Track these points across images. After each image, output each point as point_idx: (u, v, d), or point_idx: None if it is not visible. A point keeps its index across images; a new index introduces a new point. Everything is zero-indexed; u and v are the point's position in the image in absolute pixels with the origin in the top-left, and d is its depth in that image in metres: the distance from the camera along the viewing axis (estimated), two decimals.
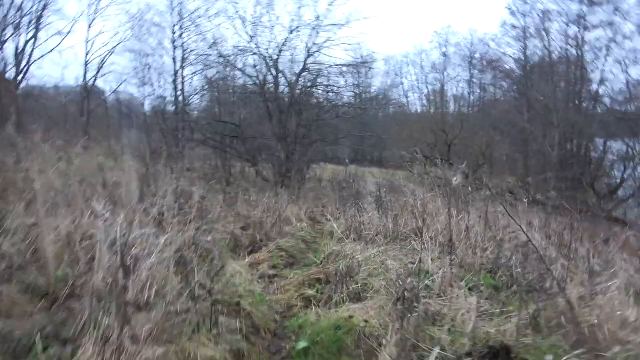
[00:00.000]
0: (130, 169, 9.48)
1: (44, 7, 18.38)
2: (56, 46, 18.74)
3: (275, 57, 13.69)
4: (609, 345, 2.42)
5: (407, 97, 34.60)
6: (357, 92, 27.87)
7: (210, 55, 15.55)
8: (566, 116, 20.35)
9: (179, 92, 17.77)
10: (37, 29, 18.35)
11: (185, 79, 18.01)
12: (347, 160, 12.75)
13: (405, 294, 2.49)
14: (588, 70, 21.65)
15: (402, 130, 27.55)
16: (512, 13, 22.99)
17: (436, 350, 2.30)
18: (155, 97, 17.99)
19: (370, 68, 25.54)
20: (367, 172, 15.98)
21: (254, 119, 14.68)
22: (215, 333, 2.69)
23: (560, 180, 18.25)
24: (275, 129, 12.95)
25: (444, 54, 31.85)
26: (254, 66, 14.11)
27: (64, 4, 28.10)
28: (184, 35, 17.70)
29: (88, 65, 20.29)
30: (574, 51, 21.51)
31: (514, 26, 23.41)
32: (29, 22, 18.15)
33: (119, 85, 20.48)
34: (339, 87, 14.82)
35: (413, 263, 4.45)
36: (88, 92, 20.81)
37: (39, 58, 18.49)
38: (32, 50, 18.24)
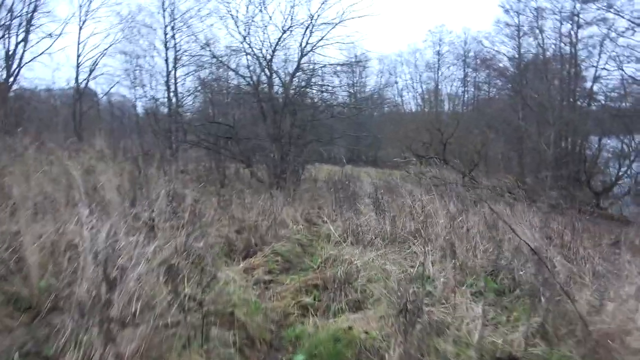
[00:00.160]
0: (122, 172, 9.32)
1: (35, 9, 18.18)
2: (47, 48, 18.57)
3: (269, 57, 13.55)
4: (623, 356, 2.29)
5: (401, 96, 34.59)
6: (352, 91, 27.79)
7: (203, 56, 15.39)
8: (561, 114, 20.32)
9: (171, 94, 17.61)
10: (27, 32, 18.13)
11: (178, 80, 17.86)
12: (343, 160, 12.62)
13: (408, 305, 2.35)
14: (582, 67, 21.67)
15: (398, 129, 27.48)
16: (506, 11, 22.99)
17: None
18: (147, 99, 17.81)
19: (364, 67, 25.50)
20: (363, 173, 15.88)
21: (248, 119, 14.52)
22: (207, 348, 2.54)
23: (556, 178, 18.20)
24: (269, 130, 12.79)
25: (438, 53, 31.88)
26: (248, 67, 13.96)
27: (55, 6, 27.84)
28: (176, 36, 17.56)
29: (80, 68, 20.11)
30: (568, 49, 21.50)
31: (507, 24, 23.43)
32: (20, 24, 17.94)
33: (111, 88, 20.31)
34: (333, 87, 14.68)
35: (413, 267, 4.34)
36: (80, 94, 20.59)
37: (30, 61, 18.29)
38: (23, 53, 18.02)
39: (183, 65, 17.58)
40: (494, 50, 25.33)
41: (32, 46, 18.21)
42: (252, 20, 13.46)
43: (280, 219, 6.89)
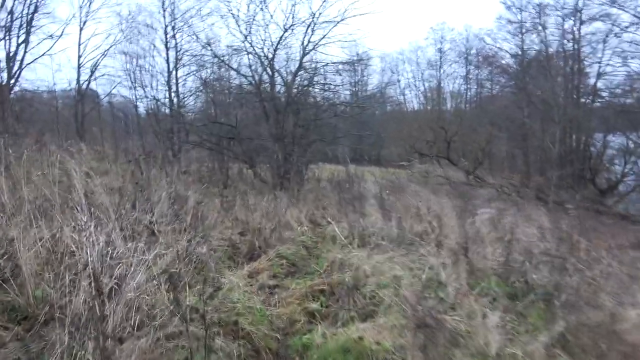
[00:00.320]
0: (124, 173, 9.21)
1: (35, 10, 18.04)
2: (48, 50, 18.41)
3: (270, 56, 13.38)
4: None
5: (404, 95, 34.39)
6: (354, 90, 27.64)
7: (204, 55, 15.25)
8: (565, 111, 20.12)
9: (173, 94, 17.47)
10: (28, 33, 18.00)
11: (180, 80, 17.71)
12: (347, 160, 12.46)
13: (427, 320, 2.22)
14: (586, 64, 21.45)
15: (401, 128, 27.30)
16: (508, 8, 22.73)
17: None
18: (149, 99, 17.68)
19: (366, 66, 25.35)
20: (367, 172, 15.72)
21: (251, 119, 14.37)
22: None
23: (561, 176, 18.02)
24: (272, 130, 12.64)
25: (440, 51, 31.67)
26: (249, 66, 13.80)
27: (55, 7, 27.74)
28: (176, 36, 17.38)
29: (81, 69, 20.00)
30: (571, 45, 21.30)
31: (510, 21, 23.18)
32: (20, 25, 17.82)
33: (112, 89, 20.18)
34: (336, 86, 14.52)
35: (421, 268, 4.20)
36: (82, 95, 20.50)
37: (31, 62, 18.14)
38: (24, 55, 17.90)
39: (184, 65, 17.44)
40: (496, 47, 25.11)
41: (32, 48, 18.08)
42: (253, 19, 13.30)
43: (285, 221, 6.75)
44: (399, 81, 33.80)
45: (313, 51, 13.32)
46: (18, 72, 18.11)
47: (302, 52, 13.26)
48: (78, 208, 3.09)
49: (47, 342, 2.22)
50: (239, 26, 13.44)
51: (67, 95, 21.43)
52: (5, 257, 3.07)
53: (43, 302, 2.65)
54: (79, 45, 19.79)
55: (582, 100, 21.75)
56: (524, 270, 4.76)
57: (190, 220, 5.60)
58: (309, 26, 13.14)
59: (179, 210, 6.27)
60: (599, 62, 20.53)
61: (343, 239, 5.20)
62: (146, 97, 17.70)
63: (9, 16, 17.35)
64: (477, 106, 30.43)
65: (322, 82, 13.89)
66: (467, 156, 21.97)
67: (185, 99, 18.09)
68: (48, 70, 29.23)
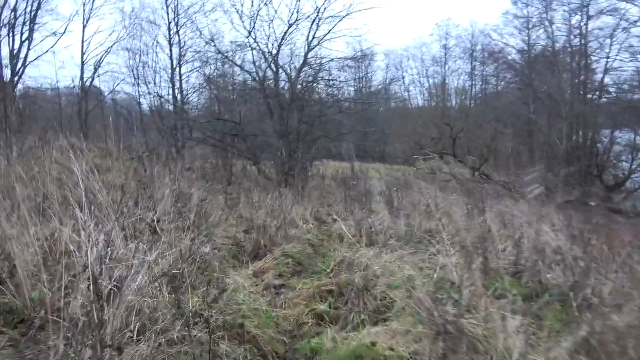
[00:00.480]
0: (127, 170, 9.10)
1: (38, 7, 17.95)
2: (51, 47, 18.34)
3: (274, 52, 13.25)
4: None
5: (408, 91, 34.17)
6: (359, 86, 27.46)
7: (207, 51, 15.12)
8: (572, 107, 19.91)
9: (176, 91, 17.37)
10: (31, 30, 17.91)
11: (183, 76, 17.61)
12: (353, 156, 12.32)
13: (448, 326, 2.08)
14: (593, 59, 21.21)
15: (405, 125, 27.15)
16: (515, 2, 22.52)
17: None
18: (152, 96, 17.57)
19: (371, 62, 25.17)
20: (371, 169, 15.59)
21: (255, 116, 14.24)
22: None
23: (569, 173, 17.83)
24: (276, 126, 12.51)
25: (445, 47, 31.42)
26: (253, 62, 13.67)
27: (58, 4, 27.61)
28: (180, 32, 17.28)
29: (84, 66, 19.92)
30: (577, 41, 21.05)
31: (516, 16, 22.96)
32: (24, 22, 17.73)
33: (116, 85, 20.10)
34: (340, 82, 14.37)
35: (431, 267, 4.06)
36: (85, 92, 20.42)
37: (34, 59, 18.07)
38: (27, 52, 17.81)
39: (187, 62, 17.34)
40: (502, 42, 24.89)
41: (36, 45, 18.00)
42: (258, 14, 13.17)
43: (290, 218, 6.63)
44: (403, 77, 33.60)
45: (318, 47, 13.18)
46: (21, 69, 18.05)
47: (306, 47, 13.14)
48: (77, 206, 2.96)
49: (42, 349, 2.10)
50: (242, 22, 13.33)
51: (70, 93, 21.39)
52: (1, 257, 2.96)
53: (40, 304, 2.53)
54: (82, 42, 19.73)
55: (589, 96, 21.53)
56: (537, 269, 4.63)
57: (193, 218, 5.48)
58: (313, 21, 13.01)
59: (182, 207, 6.16)
60: (607, 58, 20.31)
61: (350, 237, 5.06)
62: (149, 93, 17.61)
63: (12, 13, 17.28)
64: (482, 102, 30.21)
65: (326, 78, 13.74)
66: (472, 153, 21.78)
67: (189, 95, 18.00)
68: (51, 67, 29.17)
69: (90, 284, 2.05)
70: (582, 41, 20.92)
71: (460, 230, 5.61)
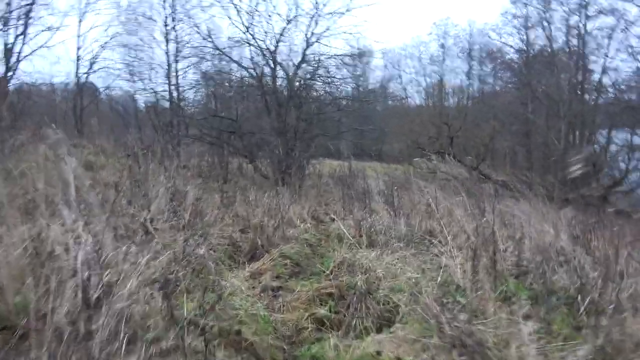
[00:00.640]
0: (121, 168, 8.93)
1: (33, 2, 17.65)
2: (46, 42, 18.04)
3: (272, 48, 13.08)
4: None
5: (405, 90, 34.01)
6: (357, 84, 27.31)
7: (204, 47, 14.91)
8: (570, 107, 19.87)
9: (172, 87, 17.16)
10: (26, 25, 17.61)
11: (180, 73, 17.38)
12: (350, 155, 12.20)
13: (465, 339, 1.95)
14: (591, 59, 21.18)
15: (403, 124, 27.02)
16: (514, 2, 22.44)
17: None
18: (148, 92, 17.36)
19: (369, 60, 25.04)
20: (368, 167, 15.45)
21: (252, 113, 14.08)
22: None
23: (567, 172, 17.78)
24: (274, 124, 12.36)
25: (443, 46, 31.29)
26: (251, 58, 13.50)
27: None
28: (176, 27, 17.05)
29: (80, 61, 19.65)
30: (576, 41, 21.01)
31: (515, 16, 22.89)
32: (18, 17, 17.43)
33: (111, 82, 19.86)
34: (339, 80, 14.22)
35: (435, 270, 3.94)
36: (80, 88, 20.18)
37: (29, 54, 17.77)
38: (22, 47, 17.52)
39: (184, 58, 17.10)
40: (500, 42, 24.82)
41: (31, 39, 17.70)
42: (256, 10, 13.00)
43: (288, 217, 6.48)
44: (400, 76, 33.44)
45: (316, 43, 13.04)
46: (16, 64, 17.77)
47: (305, 44, 12.98)
48: (66, 205, 2.81)
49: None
50: (240, 17, 13.15)
51: (65, 89, 21.13)
52: None
53: (24, 310, 2.38)
54: (78, 37, 19.45)
55: (587, 96, 21.50)
56: (542, 271, 4.51)
57: (189, 217, 5.33)
58: (312, 17, 12.86)
59: (178, 206, 6.01)
60: (605, 58, 20.27)
61: (350, 237, 4.92)
62: (145, 90, 17.41)
63: (7, 7, 17.00)
64: (480, 102, 30.12)
65: (325, 75, 13.59)
66: (469, 152, 21.71)
67: (185, 92, 17.78)
68: (46, 62, 28.82)
69: (77, 291, 1.91)
70: (581, 41, 20.89)
71: (461, 231, 5.50)
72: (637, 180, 20.70)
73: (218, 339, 2.50)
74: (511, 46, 24.25)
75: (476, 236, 4.61)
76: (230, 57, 14.37)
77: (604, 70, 20.73)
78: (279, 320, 3.21)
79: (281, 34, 13.00)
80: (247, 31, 13.10)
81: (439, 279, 3.47)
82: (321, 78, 13.57)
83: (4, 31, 17.09)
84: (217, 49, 14.12)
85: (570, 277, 4.30)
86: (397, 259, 4.13)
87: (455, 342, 2.03)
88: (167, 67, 17.06)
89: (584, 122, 20.70)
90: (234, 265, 4.66)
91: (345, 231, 5.16)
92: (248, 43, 13.27)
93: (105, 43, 19.08)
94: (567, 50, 21.57)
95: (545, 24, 21.79)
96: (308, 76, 13.36)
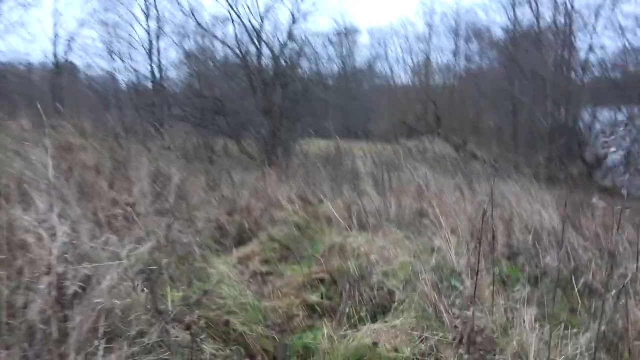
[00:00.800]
0: (102, 150, 8.66)
1: None
2: (20, 19, 17.31)
3: (257, 26, 12.74)
4: None
5: (391, 69, 33.69)
6: (343, 63, 26.95)
7: (187, 25, 14.47)
8: (556, 85, 19.85)
9: (154, 66, 16.67)
10: None
11: (161, 51, 16.87)
12: (336, 134, 12.02)
13: (475, 337, 1.84)
14: (577, 37, 21.11)
15: (389, 102, 26.84)
16: None
17: None
18: (129, 71, 16.86)
19: (355, 39, 24.67)
20: (355, 147, 15.31)
21: (237, 93, 13.77)
22: None
23: (552, 150, 17.90)
24: (259, 103, 12.10)
25: (429, 24, 30.94)
26: (235, 36, 13.14)
27: None
28: (157, 3, 16.47)
29: (57, 40, 18.96)
30: (562, 18, 20.89)
31: None
32: None
33: (89, 61, 19.24)
34: (325, 58, 13.96)
35: (428, 253, 3.85)
36: (59, 67, 19.53)
37: (2, 32, 17.04)
38: None
39: (166, 36, 16.58)
40: (487, 20, 24.60)
41: (3, 16, 16.96)
42: None
43: (275, 199, 6.34)
44: (387, 55, 33.07)
45: (302, 21, 12.71)
46: None
47: (291, 21, 12.65)
48: (40, 190, 2.63)
49: None
50: None
51: (43, 68, 20.43)
52: None
53: None
54: (54, 14, 18.72)
55: (573, 74, 21.48)
56: (534, 253, 4.46)
57: (173, 200, 5.16)
58: None
59: (161, 189, 5.83)
60: (591, 35, 20.20)
61: (341, 220, 4.79)
62: (125, 69, 16.90)
63: None
64: (467, 80, 29.99)
65: (311, 53, 13.31)
66: (456, 131, 21.70)
67: (168, 71, 17.30)
68: (21, 41, 27.81)
69: (50, 286, 1.75)
70: (568, 19, 20.77)
71: (451, 212, 5.41)
72: (619, 158, 20.93)
73: (205, 331, 2.38)
74: (498, 24, 24.05)
75: (473, 219, 4.53)
76: (214, 35, 13.99)
77: (591, 48, 20.70)
78: (269, 308, 3.09)
79: (266, 11, 12.67)
80: (231, 8, 12.73)
81: (433, 262, 3.38)
82: (307, 56, 13.30)
83: None
84: (200, 26, 13.74)
85: (562, 259, 4.26)
86: (389, 241, 4.03)
87: (464, 340, 1.92)
88: (148, 45, 16.55)
89: (569, 100, 20.72)
90: (220, 249, 4.52)
91: (335, 214, 5.03)
92: (232, 20, 12.91)
93: (83, 20, 18.41)
94: (554, 28, 21.44)
95: (532, 1, 21.60)
96: (294, 55, 13.08)
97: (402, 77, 32.46)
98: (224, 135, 13.37)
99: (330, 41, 13.95)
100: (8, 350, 1.65)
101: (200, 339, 2.20)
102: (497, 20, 23.79)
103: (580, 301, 3.46)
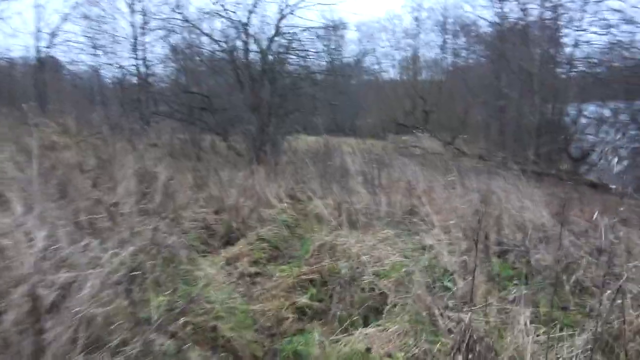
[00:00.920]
0: (86, 148, 8.48)
1: None
2: (1, 13, 16.91)
3: (245, 20, 12.54)
4: None
5: (379, 64, 33.66)
6: (332, 58, 26.83)
7: (173, 19, 14.21)
8: (543, 80, 19.96)
9: (140, 62, 16.40)
10: None
11: (147, 46, 16.60)
12: (324, 131, 11.94)
13: (475, 346, 1.79)
14: (563, 32, 21.24)
15: (377, 98, 26.82)
16: None
17: None
18: (114, 67, 16.56)
19: (343, 33, 24.55)
20: (344, 143, 15.25)
21: (224, 88, 13.59)
22: None
23: (539, 146, 18.03)
24: (247, 99, 11.94)
25: (417, 19, 30.95)
26: (222, 31, 12.94)
27: None
28: None
29: (40, 35, 18.55)
30: (549, 13, 21.00)
31: None
32: None
33: (74, 56, 18.88)
34: (313, 53, 13.82)
35: (419, 251, 3.81)
36: (42, 63, 19.13)
37: None
38: None
39: (152, 30, 16.29)
40: (474, 14, 24.67)
41: None
42: None
43: (264, 198, 6.24)
44: (374, 50, 33.02)
45: (290, 15, 12.56)
46: None
47: (279, 16, 12.50)
48: (17, 193, 2.52)
49: None
50: None
51: (25, 63, 20.01)
52: None
53: None
54: (36, 8, 18.31)
55: (559, 69, 21.62)
56: (524, 249, 4.44)
57: (159, 200, 5.05)
58: None
59: (147, 188, 5.71)
60: (577, 31, 20.33)
61: (332, 219, 4.72)
62: (110, 64, 16.59)
63: None
64: (454, 75, 30.05)
65: (299, 48, 13.16)
66: (444, 126, 21.75)
67: (154, 66, 17.03)
68: (1, 35, 27.21)
69: (26, 296, 1.66)
70: (554, 14, 20.88)
71: (442, 209, 5.38)
72: (604, 154, 21.15)
73: (192, 337, 2.29)
74: (485, 19, 24.10)
75: (464, 216, 4.50)
76: (200, 30, 13.75)
77: (577, 44, 20.84)
78: (257, 311, 3.02)
79: (254, 5, 12.47)
80: (218, 2, 12.52)
81: (426, 262, 3.33)
82: (295, 52, 13.14)
83: None
84: (187, 20, 13.48)
85: (552, 255, 4.24)
86: (380, 240, 3.97)
87: (461, 348, 1.86)
88: (133, 40, 16.27)
89: (556, 95, 20.87)
90: (208, 250, 4.43)
91: (324, 211, 4.96)
92: (219, 14, 12.70)
93: (67, 14, 18.03)
94: (541, 22, 21.54)
95: None
96: (282, 50, 12.92)
97: (390, 72, 32.46)
98: (211, 131, 13.20)
99: (319, 36, 13.77)
100: None
101: (187, 346, 2.11)
102: (484, 15, 23.84)
103: (572, 299, 3.45)
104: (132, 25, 16.24)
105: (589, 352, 2.12)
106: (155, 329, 2.02)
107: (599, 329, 2.19)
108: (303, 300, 3.14)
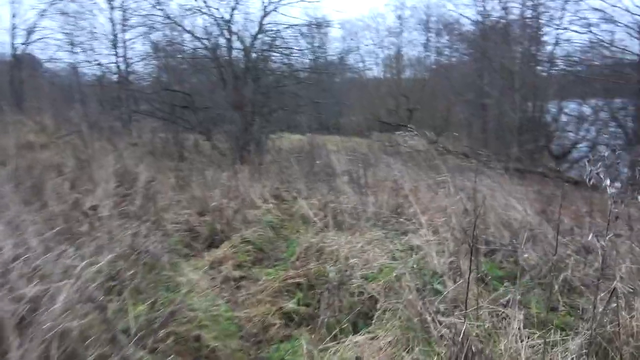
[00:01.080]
0: (64, 147, 8.24)
1: None
2: None
3: (227, 17, 12.36)
4: None
5: (363, 62, 33.68)
6: (316, 56, 26.74)
7: (154, 16, 13.92)
8: (524, 78, 20.17)
9: (120, 59, 16.05)
10: None
11: (127, 44, 16.25)
12: (308, 129, 11.86)
13: (475, 358, 1.72)
14: (544, 30, 21.49)
15: (361, 96, 26.82)
16: None
17: None
18: (92, 64, 16.18)
19: (327, 31, 24.46)
20: (328, 141, 15.18)
21: (207, 87, 13.38)
22: None
23: (521, 143, 18.20)
24: (230, 98, 11.76)
25: (400, 17, 31.03)
26: (204, 28, 12.72)
27: None
28: None
29: (16, 31, 18.06)
30: (530, 12, 21.22)
31: None
32: None
33: (52, 53, 18.44)
34: (297, 51, 13.71)
35: (406, 252, 3.75)
36: (18, 60, 18.63)
37: None
38: None
39: (132, 27, 15.94)
40: (457, 13, 24.83)
41: None
42: None
43: (249, 199, 6.13)
44: (358, 48, 33.02)
45: (274, 12, 12.41)
46: None
47: (262, 13, 12.34)
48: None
49: None
50: None
51: (1, 60, 19.48)
52: None
53: None
54: (12, 4, 17.82)
55: (540, 67, 21.87)
56: (512, 248, 4.42)
57: (140, 202, 4.90)
58: None
59: (127, 189, 5.56)
60: (557, 29, 20.57)
61: (317, 220, 4.63)
62: (89, 62, 16.21)
63: None
64: (437, 74, 30.21)
65: (283, 46, 13.02)
66: (428, 125, 21.84)
67: (134, 64, 16.68)
68: None
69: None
70: (535, 12, 21.10)
71: (428, 208, 5.33)
72: (585, 151, 21.49)
73: (174, 348, 2.19)
74: (467, 17, 24.26)
75: (452, 215, 4.45)
76: (182, 27, 13.50)
77: (557, 42, 21.09)
78: (242, 318, 2.92)
79: (237, 2, 12.29)
80: None
81: (414, 264, 3.27)
82: (279, 49, 13.00)
83: None
84: (168, 17, 13.20)
85: (540, 255, 4.23)
86: (368, 242, 3.90)
87: (451, 355, 1.79)
88: (112, 37, 15.91)
89: (537, 93, 21.10)
90: (191, 254, 4.31)
91: (310, 212, 4.87)
92: (201, 11, 12.49)
93: (44, 11, 17.57)
94: (522, 21, 21.75)
95: None
96: (265, 47, 12.77)
97: (374, 70, 32.51)
98: (194, 130, 13.00)
99: (302, 34, 13.66)
100: None
101: (168, 357, 2.01)
102: (466, 14, 24.01)
103: (561, 299, 3.42)
104: (112, 21, 15.87)
105: (584, 356, 2.07)
106: (135, 342, 1.91)
107: (593, 333, 2.14)
108: (290, 305, 3.04)
